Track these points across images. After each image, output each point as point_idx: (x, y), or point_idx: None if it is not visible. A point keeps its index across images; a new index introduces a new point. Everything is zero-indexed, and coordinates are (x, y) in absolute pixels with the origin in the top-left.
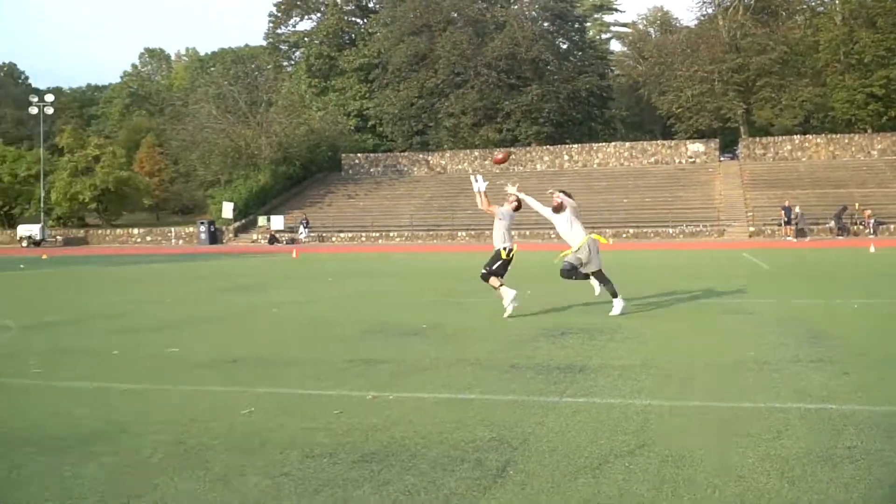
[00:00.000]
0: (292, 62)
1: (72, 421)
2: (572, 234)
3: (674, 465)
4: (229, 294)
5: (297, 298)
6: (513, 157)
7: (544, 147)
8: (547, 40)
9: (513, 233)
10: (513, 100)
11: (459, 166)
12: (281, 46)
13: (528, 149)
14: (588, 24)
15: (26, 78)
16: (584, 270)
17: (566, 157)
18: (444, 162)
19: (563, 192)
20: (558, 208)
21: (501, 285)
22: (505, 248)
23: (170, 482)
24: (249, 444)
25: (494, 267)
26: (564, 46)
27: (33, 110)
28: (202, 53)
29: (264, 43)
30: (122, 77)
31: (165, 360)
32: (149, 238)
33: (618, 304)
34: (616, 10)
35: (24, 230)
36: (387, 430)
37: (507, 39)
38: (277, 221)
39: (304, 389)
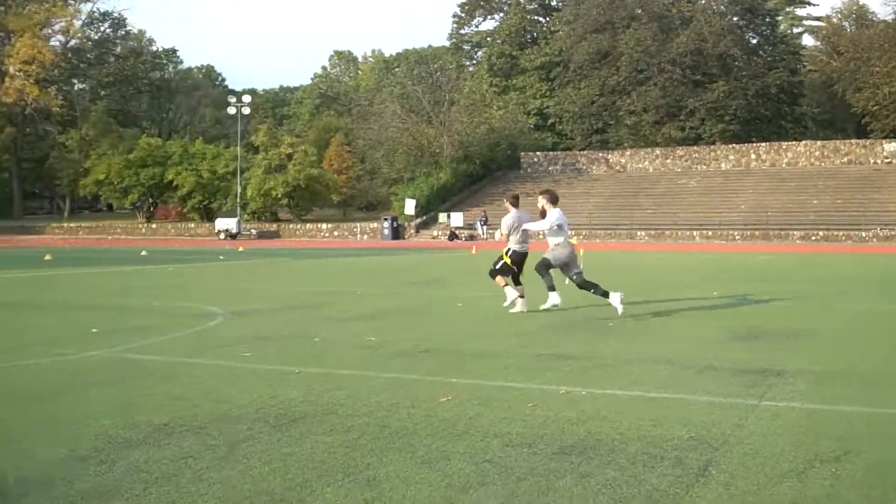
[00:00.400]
0: (474, 62)
1: (284, 402)
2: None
3: (882, 472)
4: (414, 287)
5: (480, 293)
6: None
7: (730, 146)
8: (736, 35)
9: (526, 238)
10: (697, 97)
11: (640, 165)
12: (464, 46)
13: (712, 147)
14: (780, 17)
15: (223, 80)
16: (566, 274)
17: (753, 156)
18: (623, 160)
19: (548, 194)
20: (543, 213)
21: (506, 285)
22: (508, 250)
23: (379, 463)
24: (451, 431)
25: (497, 266)
26: (754, 41)
27: (231, 110)
28: (387, 55)
29: (447, 43)
30: (312, 79)
31: (363, 348)
32: (336, 233)
33: (553, 297)
34: (809, 3)
35: (221, 224)
36: (583, 424)
37: (693, 35)
38: (457, 218)
39: (497, 381)
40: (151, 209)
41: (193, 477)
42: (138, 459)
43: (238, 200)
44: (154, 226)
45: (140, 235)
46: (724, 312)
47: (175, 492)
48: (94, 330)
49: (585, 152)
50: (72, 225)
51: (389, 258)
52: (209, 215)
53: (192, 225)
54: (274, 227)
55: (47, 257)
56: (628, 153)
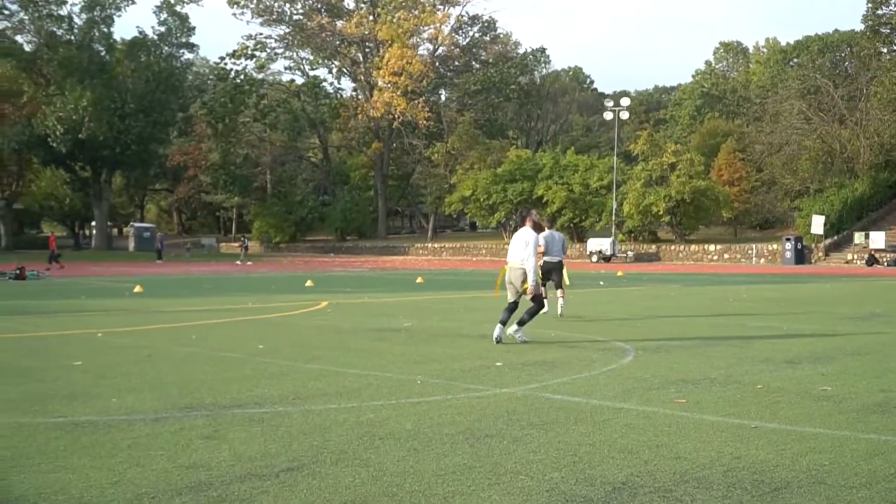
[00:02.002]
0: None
1: (754, 464)
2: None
3: None
4: (853, 323)
5: None
6: None
7: None
8: None
9: (551, 254)
10: None
11: None
12: (882, 29)
13: None
14: None
15: (592, 82)
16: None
17: None
18: None
19: (531, 215)
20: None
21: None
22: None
23: None
24: None
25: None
26: None
27: (606, 115)
28: (783, 44)
29: (861, 27)
30: (693, 76)
31: (821, 400)
32: (726, 255)
33: (497, 330)
34: None
35: (593, 244)
36: None
37: None
38: (878, 238)
39: None
40: (517, 228)
41: None
42: None
43: (613, 218)
44: None
45: (501, 257)
46: None
47: None
48: (498, 363)
49: None
50: (435, 245)
51: (801, 286)
52: (580, 234)
53: None
54: (653, 248)
55: (419, 280)
56: None
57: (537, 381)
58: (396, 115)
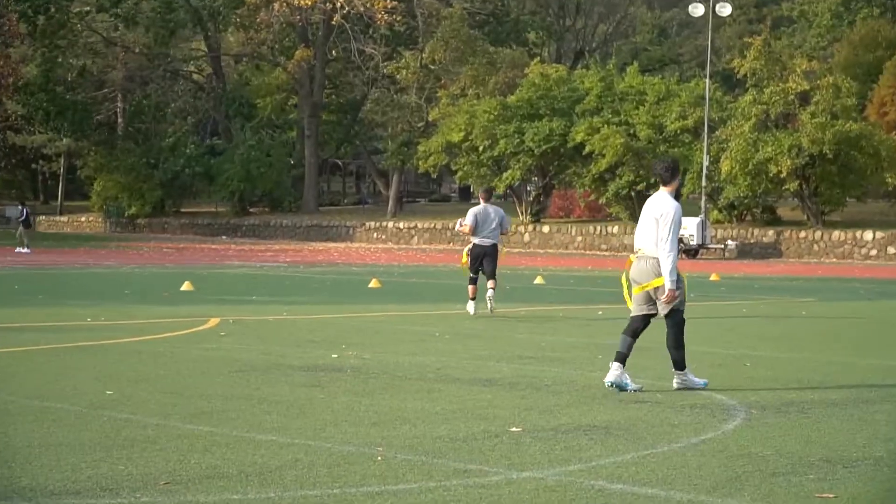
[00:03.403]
0: None
1: None
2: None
3: None
4: None
5: None
6: None
7: None
8: None
9: (482, 235)
10: None
11: None
12: None
13: None
14: None
15: None
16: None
17: None
18: None
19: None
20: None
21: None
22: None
23: None
24: None
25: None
26: None
27: (695, 10)
28: None
29: None
30: None
31: None
32: (891, 249)
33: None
34: None
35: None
36: None
37: None
38: None
39: None
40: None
41: None
42: None
43: (703, 184)
44: None
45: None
46: None
47: None
48: (513, 428)
49: None
50: (400, 226)
51: None
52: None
53: None
54: (769, 234)
55: (373, 284)
56: None
57: (580, 460)
58: (339, 4)
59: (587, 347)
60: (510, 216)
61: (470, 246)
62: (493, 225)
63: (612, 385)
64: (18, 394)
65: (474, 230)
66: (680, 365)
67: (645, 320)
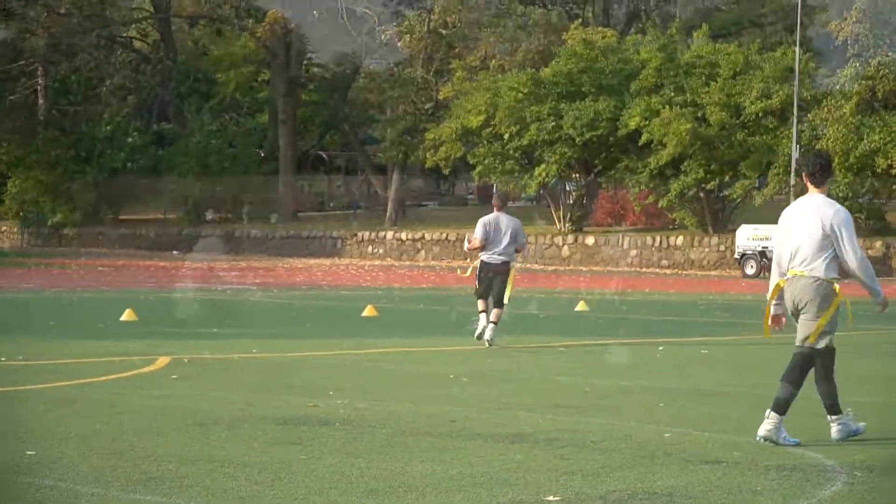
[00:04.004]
0: None
1: None
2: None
3: None
4: None
5: None
6: None
7: None
8: None
9: (492, 251)
10: None
11: None
12: None
13: None
14: None
15: None
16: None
17: None
18: None
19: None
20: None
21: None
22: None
23: None
24: None
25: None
26: None
27: None
28: None
29: None
30: None
31: None
32: None
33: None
34: None
35: (747, 237)
36: None
37: None
38: None
39: None
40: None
41: None
42: None
43: (793, 180)
44: None
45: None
46: None
47: None
48: (551, 497)
49: None
50: (402, 236)
51: None
52: (716, 213)
53: None
54: (877, 244)
55: (368, 311)
56: None
57: None
58: None
59: (644, 392)
60: (542, 222)
61: (477, 262)
62: (507, 239)
63: (767, 439)
64: None
65: (487, 243)
66: (834, 412)
67: (808, 358)
